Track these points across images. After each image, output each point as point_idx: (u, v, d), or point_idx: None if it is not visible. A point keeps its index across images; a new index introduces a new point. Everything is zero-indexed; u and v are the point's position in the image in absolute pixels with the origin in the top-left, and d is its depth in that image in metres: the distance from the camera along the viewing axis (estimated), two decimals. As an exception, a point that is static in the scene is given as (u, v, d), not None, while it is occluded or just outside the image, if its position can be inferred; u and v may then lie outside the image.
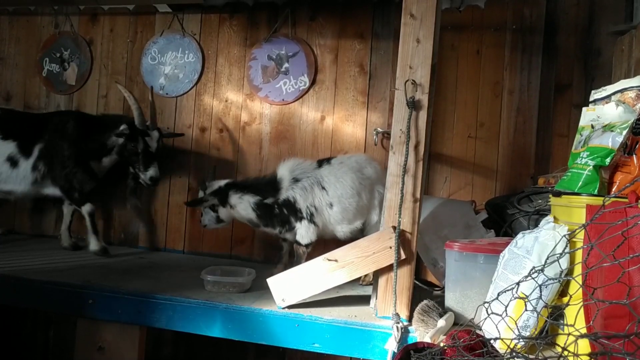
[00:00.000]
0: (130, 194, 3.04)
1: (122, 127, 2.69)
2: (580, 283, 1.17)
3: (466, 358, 1.22)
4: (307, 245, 2.33)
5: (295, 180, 2.34)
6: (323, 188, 2.33)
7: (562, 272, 1.35)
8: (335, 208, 2.32)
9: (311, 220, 2.32)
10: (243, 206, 2.40)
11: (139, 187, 2.99)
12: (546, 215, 1.70)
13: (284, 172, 2.39)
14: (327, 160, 2.45)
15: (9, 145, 2.80)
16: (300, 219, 2.32)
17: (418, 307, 1.76)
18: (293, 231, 2.36)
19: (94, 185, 2.87)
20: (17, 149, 2.80)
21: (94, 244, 2.74)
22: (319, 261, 1.90)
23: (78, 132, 2.79)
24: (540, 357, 1.19)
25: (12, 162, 2.79)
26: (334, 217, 2.33)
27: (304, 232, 2.32)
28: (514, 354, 1.21)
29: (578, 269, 1.27)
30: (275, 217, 2.38)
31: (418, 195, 1.82)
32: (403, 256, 1.80)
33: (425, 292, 2.19)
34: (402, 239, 1.81)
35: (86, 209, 2.75)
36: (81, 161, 2.78)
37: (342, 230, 2.37)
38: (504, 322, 1.23)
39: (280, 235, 2.46)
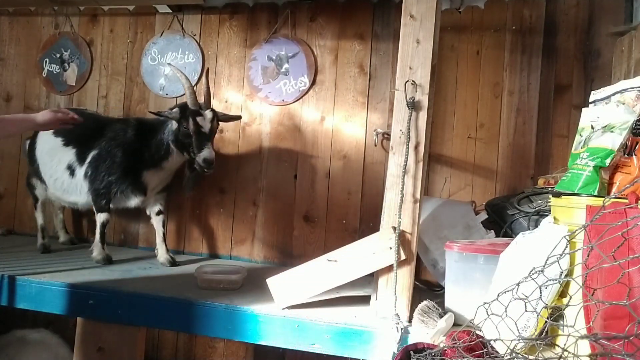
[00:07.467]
0: (187, 184, 2.84)
1: (174, 109, 2.52)
2: (580, 284, 1.17)
3: (466, 359, 1.22)
4: None
5: None
6: None
7: (562, 272, 1.35)
8: None
9: None
10: None
11: (195, 176, 2.75)
12: (546, 215, 1.70)
13: None
14: None
15: (70, 152, 2.70)
16: None
17: (418, 308, 1.76)
18: None
19: (139, 200, 2.69)
20: (75, 156, 2.69)
21: (97, 252, 2.61)
22: (319, 262, 1.90)
23: (136, 139, 2.63)
24: (540, 358, 1.19)
25: (71, 170, 2.70)
26: None
27: None
28: (514, 354, 1.22)
29: (578, 270, 1.27)
30: None
31: (418, 196, 1.82)
32: (403, 257, 1.80)
33: (425, 293, 2.19)
34: (402, 239, 1.81)
35: (102, 217, 2.63)
36: (132, 171, 2.61)
37: None
38: (504, 323, 1.23)
39: None
